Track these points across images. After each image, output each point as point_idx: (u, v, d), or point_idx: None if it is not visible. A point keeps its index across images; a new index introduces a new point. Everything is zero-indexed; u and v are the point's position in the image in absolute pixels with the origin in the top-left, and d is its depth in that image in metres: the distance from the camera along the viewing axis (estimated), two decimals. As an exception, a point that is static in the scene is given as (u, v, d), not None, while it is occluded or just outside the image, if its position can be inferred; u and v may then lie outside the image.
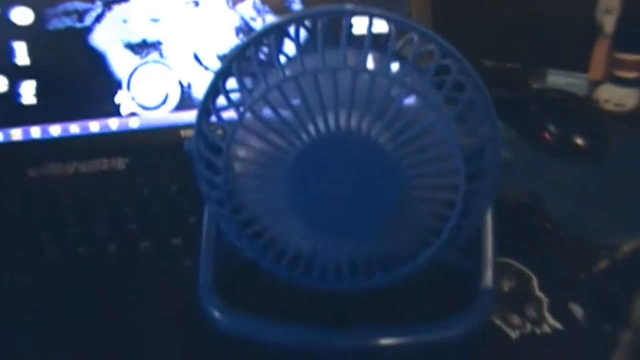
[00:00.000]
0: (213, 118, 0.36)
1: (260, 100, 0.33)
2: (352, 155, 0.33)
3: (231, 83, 0.36)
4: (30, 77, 0.53)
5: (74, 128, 0.54)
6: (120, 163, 0.53)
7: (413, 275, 0.36)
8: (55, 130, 0.54)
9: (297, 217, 0.35)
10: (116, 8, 0.53)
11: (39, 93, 0.53)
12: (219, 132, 0.36)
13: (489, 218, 0.42)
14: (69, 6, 0.52)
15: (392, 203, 0.34)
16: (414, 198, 0.34)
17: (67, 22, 0.52)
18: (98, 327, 0.41)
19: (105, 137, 0.54)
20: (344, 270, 0.36)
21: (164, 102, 0.55)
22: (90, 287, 0.44)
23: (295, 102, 0.33)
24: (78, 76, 0.53)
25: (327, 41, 0.34)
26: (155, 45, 0.54)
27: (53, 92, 0.53)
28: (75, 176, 0.53)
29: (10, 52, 0.52)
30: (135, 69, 0.54)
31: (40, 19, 0.52)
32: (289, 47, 0.36)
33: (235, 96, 0.35)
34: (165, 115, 0.55)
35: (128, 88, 0.54)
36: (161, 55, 0.54)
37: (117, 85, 0.54)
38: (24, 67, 0.52)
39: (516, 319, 0.41)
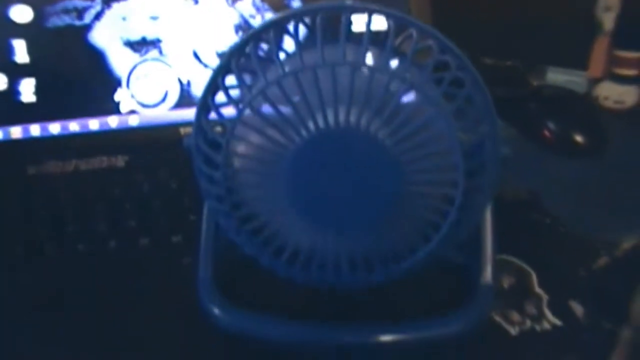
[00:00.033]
0: (212, 114, 0.36)
1: (260, 95, 0.33)
2: (352, 151, 0.33)
3: (230, 80, 0.36)
4: (29, 75, 0.53)
5: (74, 126, 0.54)
6: (119, 161, 0.53)
7: (412, 271, 0.36)
8: (54, 128, 0.54)
9: (297, 213, 0.35)
10: (115, 6, 0.53)
11: (38, 91, 0.53)
12: (218, 129, 0.36)
13: (488, 215, 0.42)
14: (68, 4, 0.52)
15: (391, 198, 0.34)
16: (413, 193, 0.34)
17: (67, 19, 0.52)
18: (97, 324, 0.41)
19: (105, 134, 0.54)
20: (343, 266, 0.36)
21: (164, 99, 0.55)
22: (90, 284, 0.44)
23: (295, 98, 0.33)
24: (77, 74, 0.53)
25: (326, 38, 0.34)
26: (155, 43, 0.54)
27: (52, 90, 0.53)
28: (75, 174, 0.53)
29: (10, 50, 0.52)
30: (135, 67, 0.54)
31: (39, 16, 0.52)
32: (288, 44, 0.36)
33: (234, 92, 0.35)
34: (165, 113, 0.55)
35: (127, 86, 0.54)
36: (161, 53, 0.54)
37: (117, 83, 0.54)
38: (24, 65, 0.52)
39: (516, 316, 0.42)
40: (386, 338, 0.38)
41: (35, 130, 0.53)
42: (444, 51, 0.34)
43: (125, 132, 0.55)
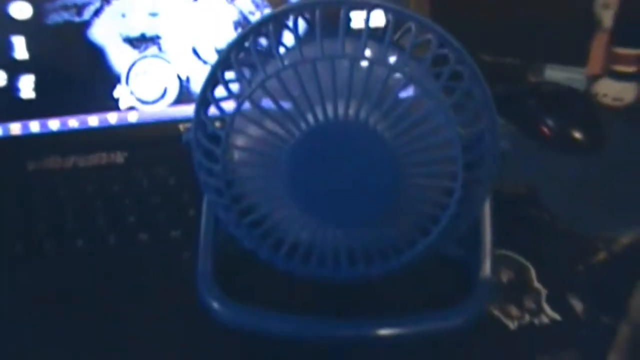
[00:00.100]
0: (212, 108, 0.36)
1: (259, 89, 0.33)
2: (351, 144, 0.34)
3: (230, 75, 0.36)
4: (29, 71, 0.53)
5: (73, 122, 0.54)
6: (119, 157, 0.54)
7: (411, 264, 0.36)
8: (54, 124, 0.54)
9: (296, 206, 0.35)
10: (115, 2, 0.53)
11: (37, 87, 0.53)
12: (218, 124, 0.36)
13: (487, 210, 0.42)
14: (68, 0, 0.52)
15: (390, 191, 0.34)
16: (412, 186, 0.34)
17: (66, 16, 0.52)
18: (97, 319, 0.41)
19: (104, 131, 0.54)
20: (342, 260, 0.36)
21: (163, 96, 0.55)
22: (90, 280, 0.44)
23: (294, 91, 0.33)
24: (77, 70, 0.53)
25: (325, 32, 0.34)
26: (154, 40, 0.54)
27: (52, 87, 0.53)
28: (74, 170, 0.53)
29: (9, 47, 0.52)
30: (134, 63, 0.54)
31: (38, 13, 0.52)
32: (288, 39, 0.36)
33: (234, 86, 0.35)
34: (164, 110, 0.55)
35: (127, 82, 0.54)
36: (160, 49, 0.54)
37: (116, 79, 0.54)
38: (23, 62, 0.52)
39: (515, 310, 0.42)
40: (385, 332, 0.38)
41: (34, 126, 0.54)
42: (443, 45, 0.34)
43: (124, 129, 0.55)
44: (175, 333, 0.40)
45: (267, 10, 0.55)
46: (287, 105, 0.33)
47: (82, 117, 0.54)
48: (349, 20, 0.35)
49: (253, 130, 0.34)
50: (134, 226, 0.48)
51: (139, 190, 0.51)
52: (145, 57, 0.54)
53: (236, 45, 0.35)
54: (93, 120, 0.54)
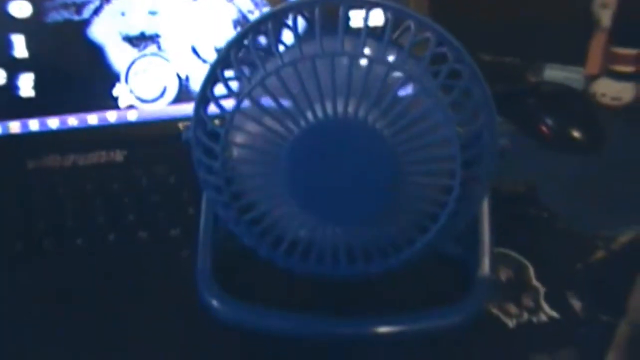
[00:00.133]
0: (211, 106, 0.36)
1: (259, 86, 0.33)
2: (350, 142, 0.34)
3: (229, 73, 0.36)
4: (28, 69, 0.53)
5: (72, 121, 0.54)
6: (118, 155, 0.54)
7: (410, 262, 0.37)
8: (53, 123, 0.54)
9: (295, 204, 0.35)
10: (114, 1, 0.53)
11: (37, 86, 0.53)
12: (217, 121, 0.36)
13: (486, 208, 0.42)
14: (68, -1, 0.53)
15: (389, 189, 0.34)
16: (411, 184, 0.34)
17: (65, 14, 0.52)
18: (97, 318, 0.41)
19: (104, 129, 0.54)
20: (341, 257, 0.36)
21: (162, 94, 0.55)
22: (89, 278, 0.44)
23: (293, 88, 0.33)
24: (76, 69, 0.53)
25: (324, 30, 0.34)
26: (154, 38, 0.54)
27: (51, 85, 0.53)
28: (74, 168, 0.53)
29: (9, 45, 0.52)
30: (134, 62, 0.54)
31: (38, 11, 0.52)
32: (287, 37, 0.36)
33: (233, 84, 0.35)
34: (163, 108, 0.55)
35: (126, 81, 0.54)
36: (159, 48, 0.54)
37: (115, 78, 0.54)
38: (22, 60, 0.52)
39: (513, 308, 0.42)
40: (384, 330, 0.38)
41: (34, 125, 0.54)
42: (441, 43, 0.34)
43: (123, 127, 0.55)
44: (174, 331, 0.40)
45: (266, 9, 0.55)
46: (286, 102, 0.33)
47: (82, 115, 0.54)
48: (348, 18, 0.35)
49: (252, 127, 0.34)
50: (134, 224, 0.48)
51: (138, 188, 0.51)
52: (144, 55, 0.54)
53: (236, 44, 0.35)
54: (92, 119, 0.54)
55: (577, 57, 0.67)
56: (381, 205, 0.35)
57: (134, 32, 0.54)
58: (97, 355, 0.39)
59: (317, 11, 0.34)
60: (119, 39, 0.54)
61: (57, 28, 0.52)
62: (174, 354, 0.39)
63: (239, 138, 0.35)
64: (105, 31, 0.53)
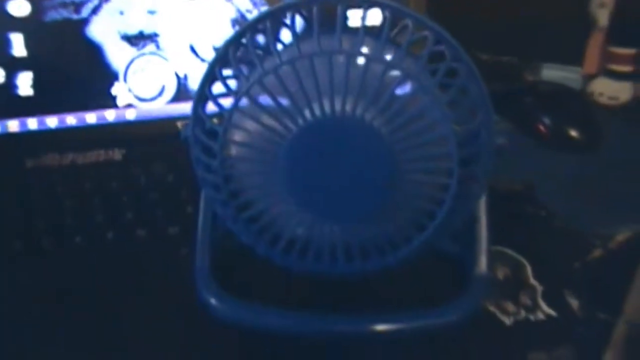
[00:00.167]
0: (209, 104, 0.36)
1: (257, 84, 0.34)
2: (347, 140, 0.34)
3: (228, 71, 0.36)
4: (27, 68, 0.53)
5: (71, 119, 0.54)
6: (117, 154, 0.54)
7: (408, 260, 0.37)
8: (52, 121, 0.54)
9: (293, 201, 0.35)
10: (113, 0, 0.53)
11: (35, 84, 0.53)
12: (215, 120, 0.36)
13: (483, 206, 0.42)
14: (66, -2, 0.53)
15: (386, 187, 0.34)
16: (408, 182, 0.34)
17: (64, 13, 0.53)
18: (95, 317, 0.41)
19: (102, 128, 0.55)
20: (339, 255, 0.36)
21: (161, 93, 0.55)
22: (88, 276, 0.44)
23: (292, 87, 0.33)
24: (75, 68, 0.54)
25: (322, 29, 0.34)
26: (152, 37, 0.54)
27: (50, 84, 0.53)
28: (72, 167, 0.53)
29: (7, 44, 0.52)
30: (132, 61, 0.54)
31: (37, 10, 0.52)
32: (286, 36, 0.37)
33: (231, 83, 0.35)
34: (162, 107, 0.55)
35: (125, 80, 0.54)
36: (158, 47, 0.55)
37: (114, 76, 0.54)
38: (21, 59, 0.53)
39: (510, 306, 0.42)
40: (382, 328, 0.38)
41: (32, 123, 0.54)
42: (439, 42, 0.34)
43: (122, 126, 0.55)
44: (173, 329, 0.40)
45: (264, 8, 0.55)
46: (284, 101, 0.34)
47: (80, 114, 0.54)
48: (346, 17, 0.35)
49: (251, 125, 0.34)
50: (132, 223, 0.48)
51: (137, 187, 0.51)
52: (143, 54, 0.54)
53: (234, 42, 0.35)
54: (91, 118, 0.54)
55: (575, 57, 0.67)
56: (379, 203, 0.35)
57: (133, 31, 0.54)
58: (96, 353, 0.39)
59: (315, 10, 0.34)
60: (118, 38, 0.54)
61: (56, 27, 0.53)
62: (173, 352, 0.39)
63: (237, 136, 0.35)
64: (103, 30, 0.53)
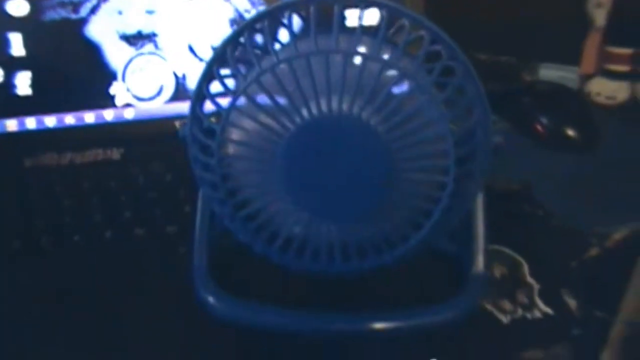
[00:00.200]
0: (207, 103, 0.36)
1: (254, 83, 0.34)
2: (344, 139, 0.34)
3: (225, 71, 0.36)
4: (25, 68, 0.53)
5: (69, 119, 0.54)
6: (115, 153, 0.54)
7: (404, 258, 0.37)
8: (50, 121, 0.54)
9: (290, 200, 0.35)
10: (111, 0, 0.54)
11: (34, 84, 0.53)
12: (213, 119, 0.36)
13: (480, 205, 0.42)
14: (65, -2, 0.53)
15: (383, 186, 0.34)
16: (405, 180, 0.34)
17: (63, 13, 0.53)
18: (93, 315, 0.41)
19: (101, 127, 0.55)
20: (336, 254, 0.36)
21: (159, 93, 0.55)
22: (86, 275, 0.44)
23: (289, 86, 0.34)
24: (73, 67, 0.54)
25: (320, 29, 0.34)
26: (151, 37, 0.54)
27: (48, 83, 0.53)
28: (71, 166, 0.53)
29: (6, 43, 0.52)
30: (131, 60, 0.54)
31: (35, 10, 0.52)
32: (283, 36, 0.37)
33: (229, 82, 0.36)
34: (160, 107, 0.55)
35: (123, 79, 0.55)
36: (156, 46, 0.55)
37: (112, 76, 0.54)
38: (20, 58, 0.53)
39: (507, 304, 0.42)
40: (379, 326, 0.38)
41: (31, 123, 0.54)
42: (435, 41, 0.34)
43: (120, 125, 0.55)
44: (171, 327, 0.40)
45: (262, 8, 0.56)
46: (281, 100, 0.34)
47: (79, 113, 0.54)
48: (343, 17, 0.35)
49: (248, 124, 0.35)
50: (131, 222, 0.49)
51: (135, 186, 0.51)
52: (141, 54, 0.55)
53: (232, 41, 0.36)
54: (89, 117, 0.54)
55: (572, 57, 0.67)
56: (375, 202, 0.35)
57: (131, 30, 0.54)
58: (95, 351, 0.39)
59: (312, 9, 0.35)
60: (116, 37, 0.54)
61: (55, 26, 0.53)
62: (171, 350, 0.39)
63: (234, 135, 0.35)
64: (102, 30, 0.53)
